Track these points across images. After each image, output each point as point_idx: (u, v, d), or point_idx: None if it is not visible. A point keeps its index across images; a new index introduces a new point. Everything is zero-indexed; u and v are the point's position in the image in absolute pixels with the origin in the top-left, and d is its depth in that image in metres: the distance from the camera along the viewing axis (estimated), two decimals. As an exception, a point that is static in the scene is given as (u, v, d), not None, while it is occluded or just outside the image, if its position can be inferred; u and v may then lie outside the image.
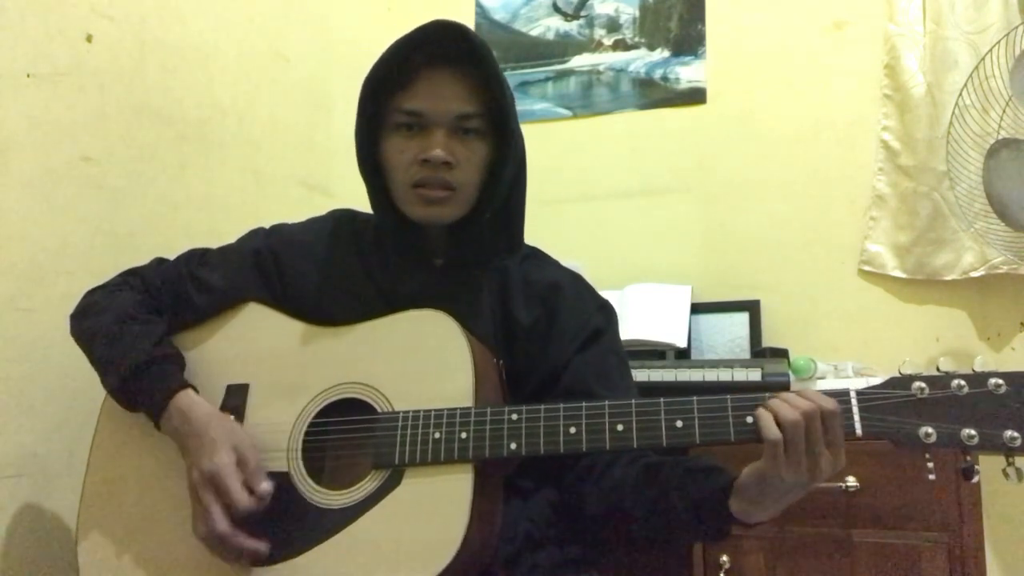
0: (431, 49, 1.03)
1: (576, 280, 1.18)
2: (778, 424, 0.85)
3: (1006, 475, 0.84)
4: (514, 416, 0.94)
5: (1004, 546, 1.72)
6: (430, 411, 0.96)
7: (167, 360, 1.05)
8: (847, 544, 1.38)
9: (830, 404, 0.85)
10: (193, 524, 0.95)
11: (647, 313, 1.83)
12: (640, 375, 1.56)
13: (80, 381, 1.26)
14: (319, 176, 2.08)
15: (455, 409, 0.96)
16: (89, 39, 1.42)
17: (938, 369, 0.88)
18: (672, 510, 0.96)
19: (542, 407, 0.95)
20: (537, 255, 1.21)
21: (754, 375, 1.51)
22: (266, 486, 0.95)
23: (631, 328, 1.77)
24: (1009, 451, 0.83)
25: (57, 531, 1.30)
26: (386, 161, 1.07)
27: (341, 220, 1.20)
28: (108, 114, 1.46)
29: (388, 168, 1.07)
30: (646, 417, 0.91)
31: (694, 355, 1.84)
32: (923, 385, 0.87)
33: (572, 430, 0.93)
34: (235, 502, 0.93)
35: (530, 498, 1.06)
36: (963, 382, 0.86)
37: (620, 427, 0.92)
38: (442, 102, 1.03)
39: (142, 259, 1.20)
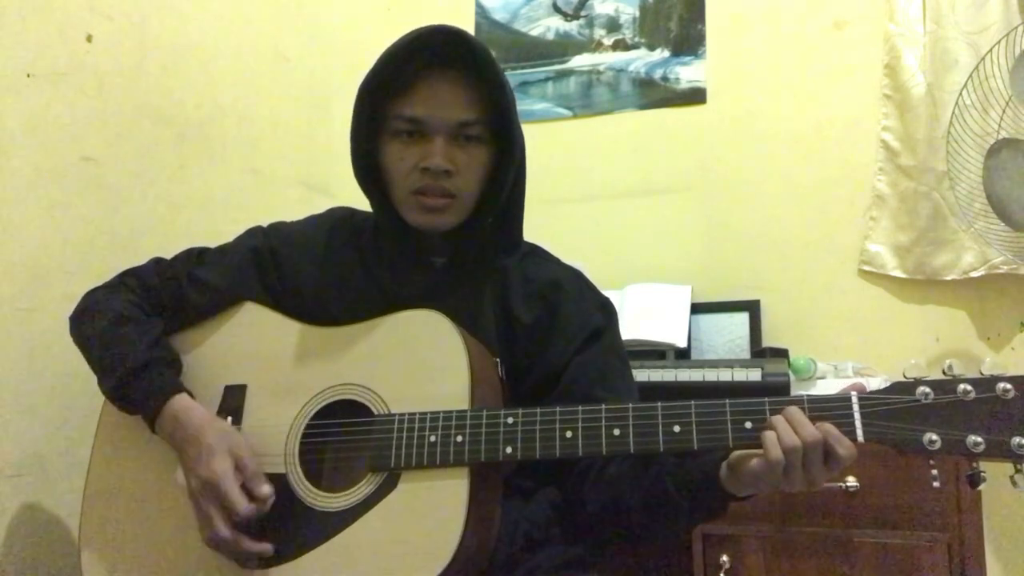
0: (431, 54, 1.01)
1: (577, 277, 1.17)
2: (780, 445, 0.84)
3: (1014, 483, 0.82)
4: (510, 420, 0.94)
5: (1004, 546, 1.72)
6: (426, 414, 0.96)
7: (161, 363, 1.05)
8: (847, 544, 1.38)
9: (834, 436, 0.84)
10: (200, 530, 0.96)
11: (647, 313, 1.82)
12: (640, 375, 1.56)
13: (80, 381, 1.26)
14: (319, 176, 2.08)
15: (451, 412, 0.95)
16: (89, 39, 1.42)
17: (944, 372, 0.86)
18: (667, 495, 0.96)
19: (538, 411, 0.94)
20: (537, 252, 1.20)
21: (754, 375, 1.50)
22: (265, 490, 0.95)
23: (631, 328, 1.77)
24: (1017, 458, 0.81)
25: (57, 531, 1.30)
26: (385, 167, 1.07)
27: (340, 218, 1.20)
28: (108, 114, 1.46)
29: (387, 174, 1.07)
30: (643, 422, 0.91)
31: (694, 355, 1.83)
32: (928, 390, 0.84)
33: (568, 434, 0.92)
34: (235, 508, 0.93)
35: (530, 498, 1.06)
36: (970, 387, 0.83)
37: (617, 432, 0.91)
38: (442, 109, 1.02)
39: (142, 259, 1.20)
